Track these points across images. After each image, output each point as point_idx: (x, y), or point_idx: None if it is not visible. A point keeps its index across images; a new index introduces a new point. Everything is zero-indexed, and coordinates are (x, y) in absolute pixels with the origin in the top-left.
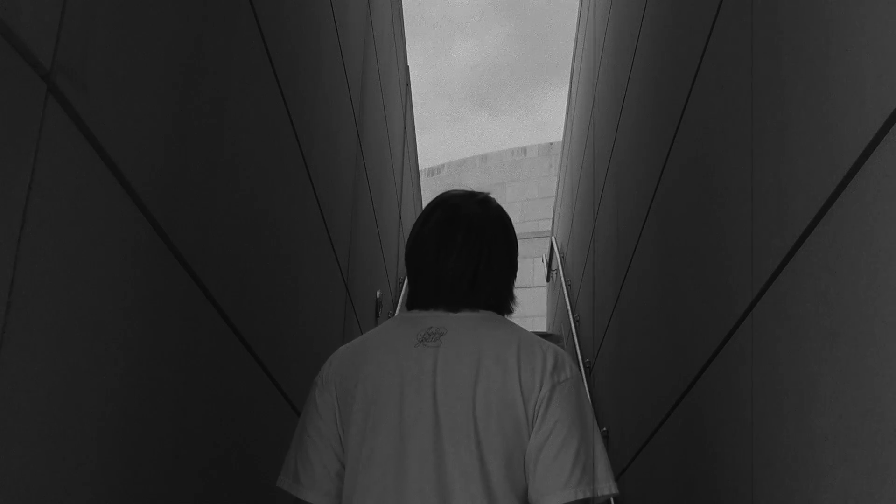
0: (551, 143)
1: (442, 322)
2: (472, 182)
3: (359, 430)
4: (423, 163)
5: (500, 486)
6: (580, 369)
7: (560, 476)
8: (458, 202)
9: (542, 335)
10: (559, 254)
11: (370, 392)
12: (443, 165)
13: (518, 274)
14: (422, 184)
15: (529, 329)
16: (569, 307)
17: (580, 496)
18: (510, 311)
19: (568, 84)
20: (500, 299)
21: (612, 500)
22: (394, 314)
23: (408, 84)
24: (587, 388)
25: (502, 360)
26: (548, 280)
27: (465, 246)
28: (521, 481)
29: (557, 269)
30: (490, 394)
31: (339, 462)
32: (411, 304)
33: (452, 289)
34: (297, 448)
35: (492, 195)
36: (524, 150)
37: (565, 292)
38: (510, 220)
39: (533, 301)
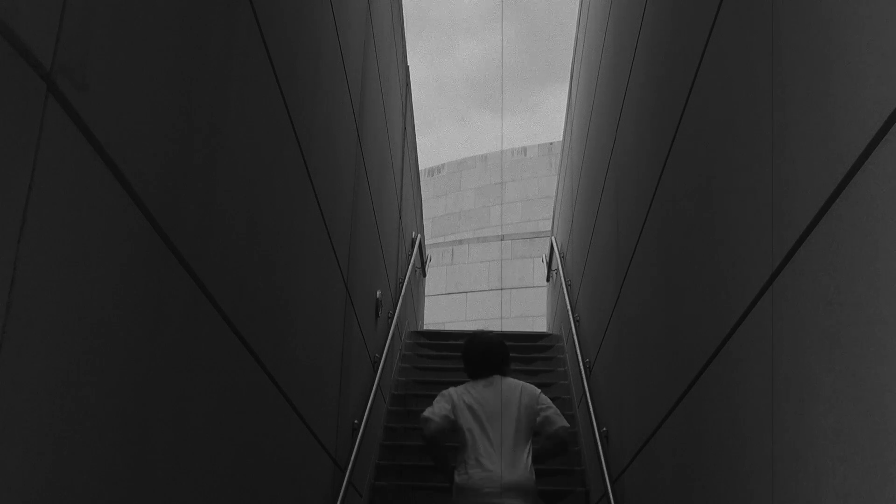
0: (551, 143)
1: (492, 379)
2: (472, 182)
3: (465, 418)
4: (424, 163)
5: (525, 436)
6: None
7: (554, 423)
8: (485, 337)
9: (542, 335)
10: (559, 254)
11: (467, 404)
12: (443, 165)
13: (518, 274)
14: (422, 184)
15: (529, 328)
16: (569, 307)
17: (562, 423)
18: (511, 372)
19: (568, 84)
20: (508, 369)
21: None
22: (394, 314)
23: (408, 84)
24: (587, 388)
25: (525, 391)
26: (548, 280)
27: (497, 351)
28: (530, 434)
29: (557, 269)
30: (522, 403)
31: (448, 419)
32: (474, 375)
33: (491, 367)
34: (431, 410)
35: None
36: (524, 149)
37: (565, 292)
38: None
39: (533, 301)
